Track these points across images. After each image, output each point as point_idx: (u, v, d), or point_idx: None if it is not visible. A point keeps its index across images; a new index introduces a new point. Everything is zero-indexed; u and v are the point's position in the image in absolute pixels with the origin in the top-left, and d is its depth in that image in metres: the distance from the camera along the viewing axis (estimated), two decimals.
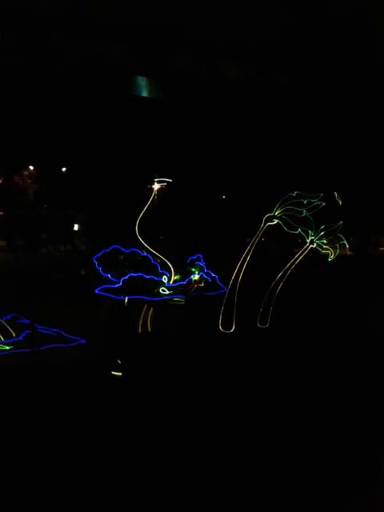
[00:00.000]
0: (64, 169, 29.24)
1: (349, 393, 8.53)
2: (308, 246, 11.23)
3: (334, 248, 11.32)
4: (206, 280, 10.78)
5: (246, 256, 10.85)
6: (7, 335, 9.12)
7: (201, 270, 10.72)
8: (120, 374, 8.89)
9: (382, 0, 10.80)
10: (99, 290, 9.82)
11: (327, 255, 11.39)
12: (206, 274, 10.79)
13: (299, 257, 11.38)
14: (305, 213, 10.57)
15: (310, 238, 11.07)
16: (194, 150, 18.46)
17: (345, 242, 11.54)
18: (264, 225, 10.65)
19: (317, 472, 6.02)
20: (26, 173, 31.13)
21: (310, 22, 10.97)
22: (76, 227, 31.15)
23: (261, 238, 10.94)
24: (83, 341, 9.51)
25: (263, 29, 10.88)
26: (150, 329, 10.98)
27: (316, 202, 10.59)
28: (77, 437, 6.67)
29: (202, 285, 10.77)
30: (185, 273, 10.70)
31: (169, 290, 10.36)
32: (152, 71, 12.05)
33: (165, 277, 10.31)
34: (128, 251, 10.15)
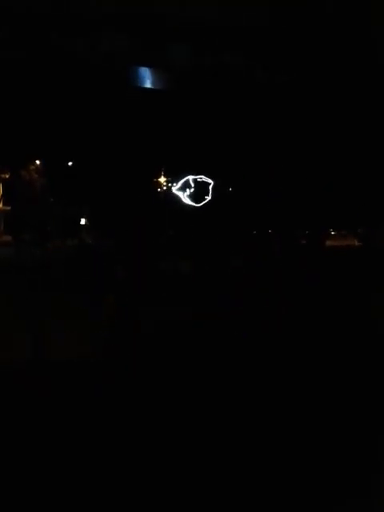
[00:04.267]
0: (70, 163, 29.18)
1: (350, 391, 8.47)
2: None
3: None
4: None
5: None
6: None
7: None
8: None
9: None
10: None
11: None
12: None
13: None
14: None
15: None
16: (198, 143, 18.36)
17: None
18: None
19: (317, 472, 5.98)
20: (33, 167, 31.14)
21: (310, 19, 10.83)
22: (83, 221, 31.09)
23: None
24: None
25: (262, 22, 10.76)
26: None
27: None
28: (77, 436, 6.67)
29: None
30: None
31: None
32: (153, 62, 11.96)
33: None
34: None
